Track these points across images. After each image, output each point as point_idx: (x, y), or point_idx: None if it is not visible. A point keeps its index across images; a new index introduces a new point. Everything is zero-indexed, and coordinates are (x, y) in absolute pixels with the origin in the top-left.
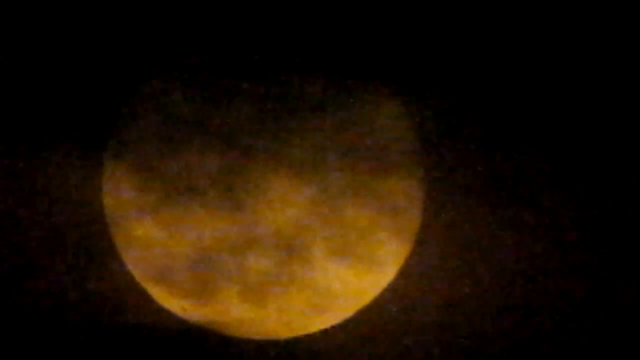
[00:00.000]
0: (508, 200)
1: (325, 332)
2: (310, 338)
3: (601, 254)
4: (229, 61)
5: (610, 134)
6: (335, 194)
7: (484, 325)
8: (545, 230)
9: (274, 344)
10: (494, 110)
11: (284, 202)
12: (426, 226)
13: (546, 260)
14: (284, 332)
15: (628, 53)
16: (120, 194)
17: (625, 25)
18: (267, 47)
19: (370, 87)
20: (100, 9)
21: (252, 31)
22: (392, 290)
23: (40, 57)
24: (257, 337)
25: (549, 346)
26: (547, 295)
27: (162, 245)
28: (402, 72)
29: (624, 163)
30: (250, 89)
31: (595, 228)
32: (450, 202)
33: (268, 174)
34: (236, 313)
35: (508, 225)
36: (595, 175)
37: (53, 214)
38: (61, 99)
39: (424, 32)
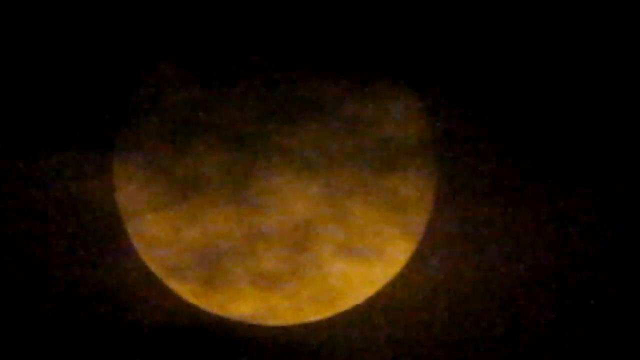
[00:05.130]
0: (516, 198)
1: (329, 321)
2: (314, 326)
3: (609, 254)
4: (237, 59)
5: (617, 135)
6: (344, 190)
7: (486, 322)
8: (554, 229)
9: (282, 330)
10: (503, 108)
11: (293, 198)
12: (433, 223)
13: (554, 259)
14: (291, 319)
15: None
16: (132, 191)
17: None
18: (275, 44)
19: (378, 84)
20: (108, 7)
21: (260, 28)
22: (396, 283)
23: (47, 58)
24: (266, 323)
25: (552, 343)
26: (553, 294)
27: (174, 237)
28: (410, 68)
29: (630, 164)
30: (258, 86)
31: (604, 228)
32: (458, 199)
33: (276, 170)
34: (246, 299)
35: (515, 223)
36: (606, 176)
37: (69, 213)
38: (69, 100)
39: (435, 28)
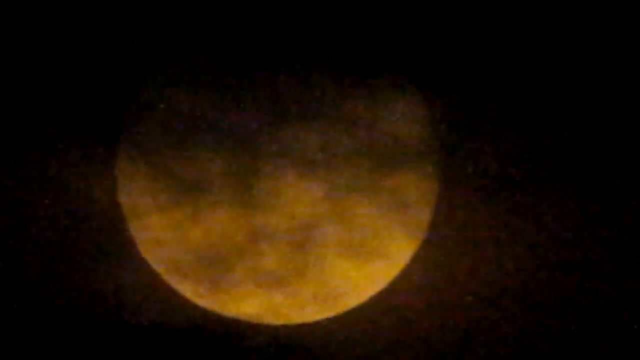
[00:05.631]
0: (519, 198)
1: (332, 320)
2: (317, 325)
3: (611, 254)
4: (239, 58)
5: (619, 135)
6: (346, 190)
7: (488, 322)
8: (558, 229)
9: (285, 329)
10: (507, 107)
11: (295, 198)
12: (436, 222)
13: (557, 260)
14: (294, 318)
15: None
16: (135, 191)
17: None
18: (276, 43)
19: (381, 83)
20: (112, 7)
21: (261, 27)
22: (398, 283)
23: (50, 58)
24: (269, 322)
25: (554, 345)
26: (555, 294)
27: (177, 237)
28: (413, 67)
29: (631, 165)
30: (258, 86)
31: (607, 228)
32: (461, 199)
33: (279, 170)
34: (249, 299)
35: (518, 223)
36: (608, 176)
37: (71, 213)
38: (72, 100)
39: (438, 27)
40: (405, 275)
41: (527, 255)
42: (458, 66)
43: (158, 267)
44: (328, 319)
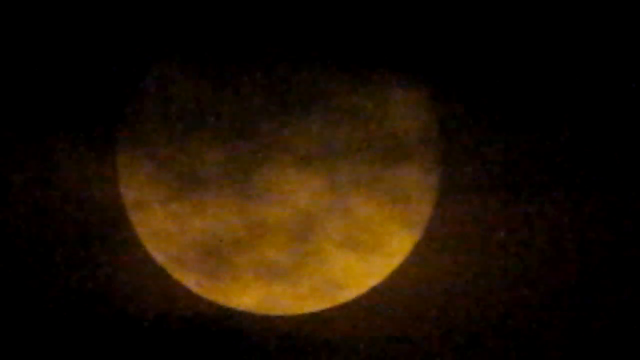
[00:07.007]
0: (519, 193)
1: (331, 311)
2: (316, 317)
3: (611, 249)
4: (238, 51)
5: (619, 133)
6: (346, 182)
7: (487, 316)
8: (557, 224)
9: (285, 320)
10: (508, 102)
11: (295, 190)
12: (436, 216)
13: (556, 254)
14: (293, 310)
15: None
16: (136, 184)
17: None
18: (277, 37)
19: (383, 77)
20: (112, 3)
21: (261, 20)
22: (397, 276)
23: (53, 54)
24: (269, 313)
25: (552, 341)
26: (554, 288)
27: (178, 229)
28: (414, 61)
29: (632, 163)
30: (260, 79)
31: (607, 225)
32: (460, 192)
33: (279, 163)
34: (249, 290)
35: (518, 217)
36: (608, 173)
37: (74, 206)
38: (73, 93)
39: (439, 20)
40: (403, 268)
41: (527, 249)
42: (460, 63)
43: (159, 258)
44: (327, 311)
